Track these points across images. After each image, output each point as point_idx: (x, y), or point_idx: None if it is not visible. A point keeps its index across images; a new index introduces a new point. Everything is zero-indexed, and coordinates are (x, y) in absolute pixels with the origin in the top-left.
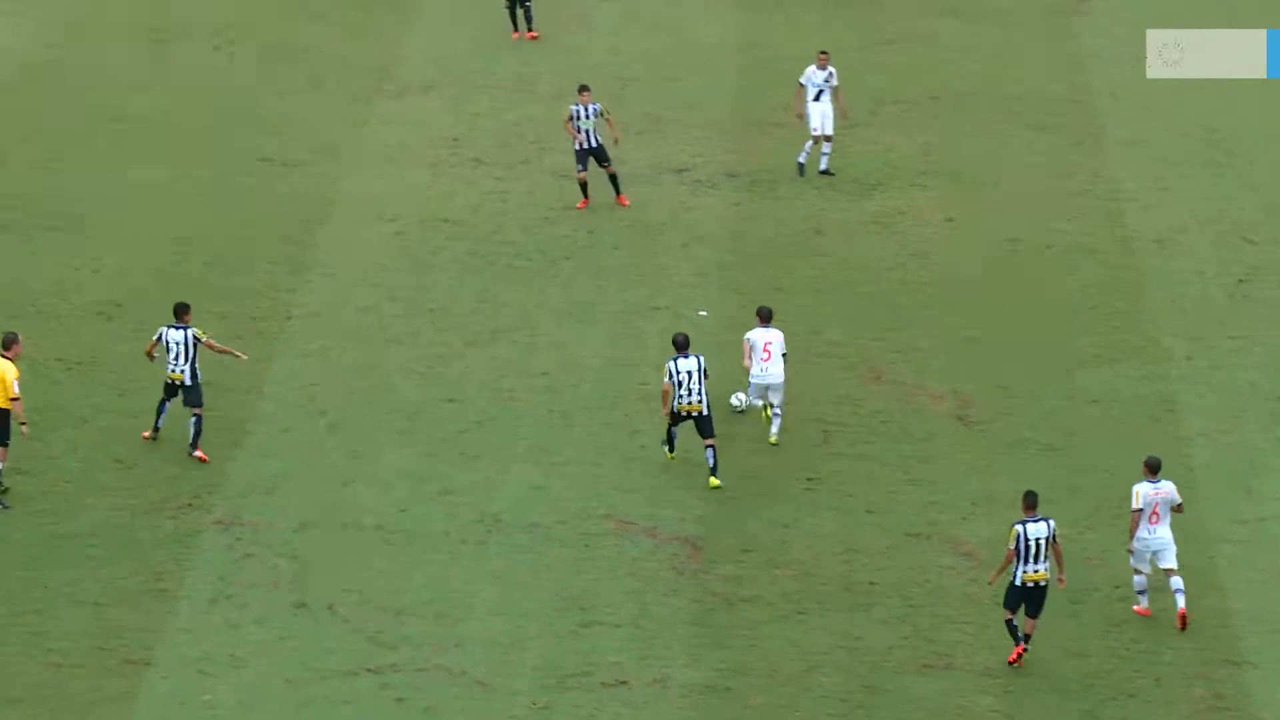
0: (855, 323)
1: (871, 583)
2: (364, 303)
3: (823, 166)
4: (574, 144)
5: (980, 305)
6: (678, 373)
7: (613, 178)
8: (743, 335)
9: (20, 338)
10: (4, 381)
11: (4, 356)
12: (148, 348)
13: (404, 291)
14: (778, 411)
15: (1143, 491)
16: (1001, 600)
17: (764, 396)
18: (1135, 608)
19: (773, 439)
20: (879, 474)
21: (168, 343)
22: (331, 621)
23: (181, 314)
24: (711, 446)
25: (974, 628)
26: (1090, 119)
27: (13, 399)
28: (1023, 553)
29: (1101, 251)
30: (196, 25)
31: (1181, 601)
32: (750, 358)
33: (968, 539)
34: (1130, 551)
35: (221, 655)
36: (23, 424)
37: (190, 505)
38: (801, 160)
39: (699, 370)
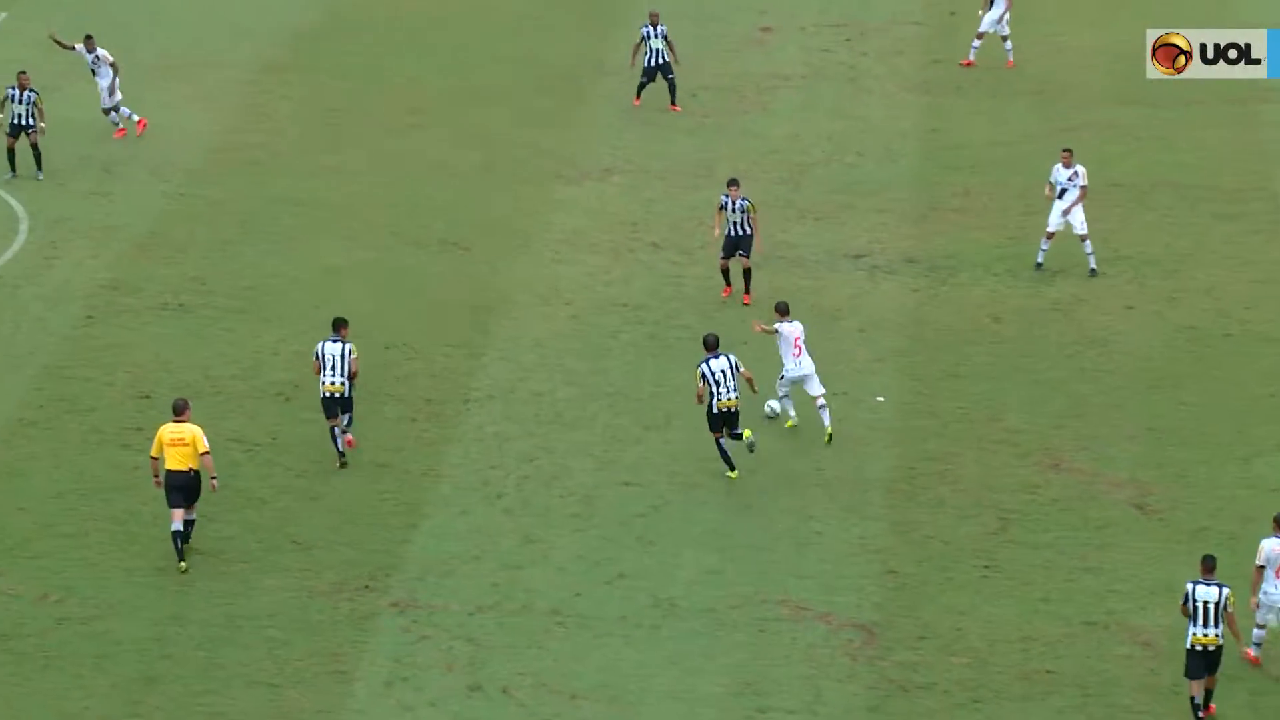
0: (1033, 410)
1: (1048, 671)
2: (540, 387)
3: (1091, 265)
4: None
5: (1159, 393)
6: (712, 373)
7: (746, 272)
8: (914, 418)
9: (189, 403)
10: (195, 439)
11: (180, 421)
12: (314, 368)
13: (580, 375)
14: (823, 403)
15: (1267, 546)
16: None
17: (794, 391)
18: (1249, 651)
19: (828, 430)
20: (1056, 562)
21: (325, 357)
22: (506, 705)
23: (339, 328)
24: (739, 437)
25: (1151, 718)
26: (1272, 207)
27: (203, 453)
28: (1192, 613)
29: None
30: (378, 110)
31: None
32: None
33: (1146, 628)
34: (1255, 606)
35: None
36: (213, 478)
37: (367, 587)
38: (1039, 260)
39: (731, 368)
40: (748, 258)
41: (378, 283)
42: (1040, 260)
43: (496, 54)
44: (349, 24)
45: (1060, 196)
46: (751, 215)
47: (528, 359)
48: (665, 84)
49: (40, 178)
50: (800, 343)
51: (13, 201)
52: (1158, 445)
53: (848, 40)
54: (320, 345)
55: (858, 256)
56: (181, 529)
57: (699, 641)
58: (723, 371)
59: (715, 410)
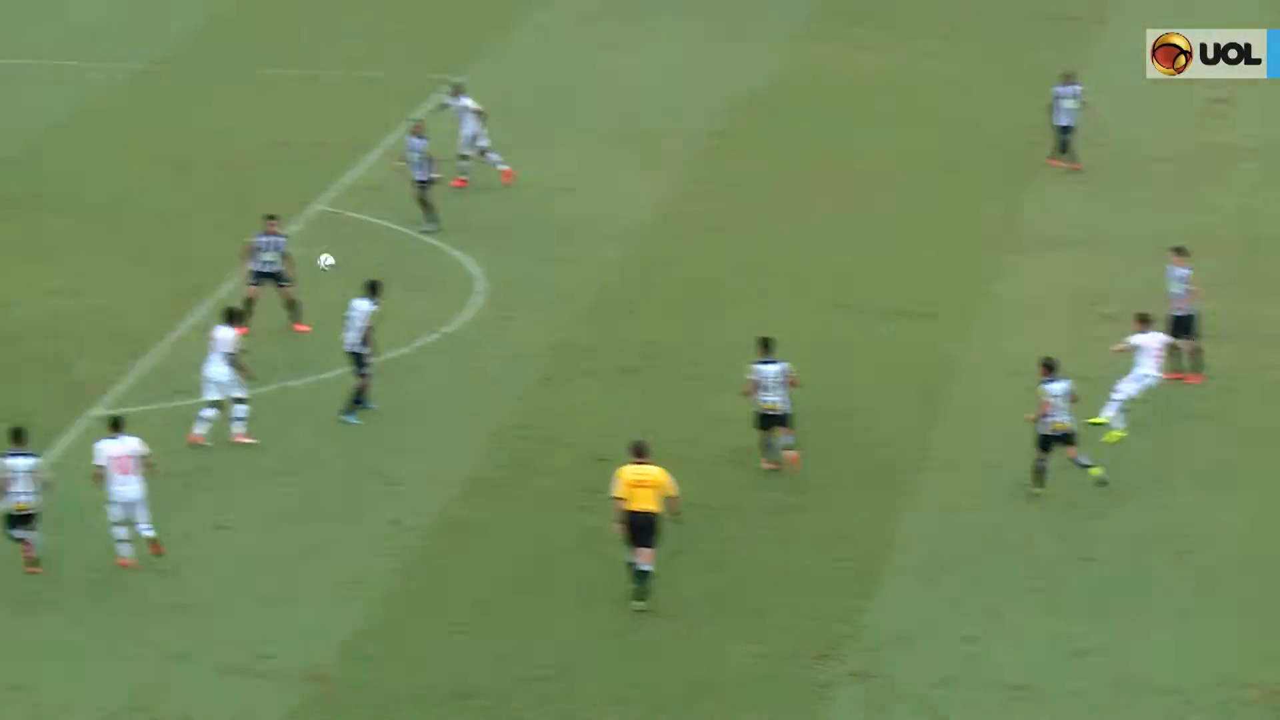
0: None
1: None
2: (996, 458)
3: None
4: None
5: None
6: (1054, 396)
7: (1193, 353)
8: None
9: (649, 445)
10: (662, 480)
11: (642, 462)
12: (747, 388)
13: None
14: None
15: None
16: None
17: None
18: None
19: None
20: None
21: (763, 379)
22: None
23: (772, 347)
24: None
25: None
26: None
27: (672, 496)
28: None
29: None
30: (827, 176)
31: None
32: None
33: None
34: None
35: None
36: (676, 513)
37: (825, 655)
38: None
39: (1066, 393)
40: (1192, 339)
41: (831, 349)
42: None
43: (938, 121)
44: (797, 92)
45: None
46: (1191, 287)
47: (983, 429)
48: (1065, 139)
49: (434, 229)
50: (1160, 354)
51: (470, 263)
52: None
53: None
54: (756, 367)
55: None
56: (647, 569)
57: None
58: (1059, 395)
59: (1050, 431)
